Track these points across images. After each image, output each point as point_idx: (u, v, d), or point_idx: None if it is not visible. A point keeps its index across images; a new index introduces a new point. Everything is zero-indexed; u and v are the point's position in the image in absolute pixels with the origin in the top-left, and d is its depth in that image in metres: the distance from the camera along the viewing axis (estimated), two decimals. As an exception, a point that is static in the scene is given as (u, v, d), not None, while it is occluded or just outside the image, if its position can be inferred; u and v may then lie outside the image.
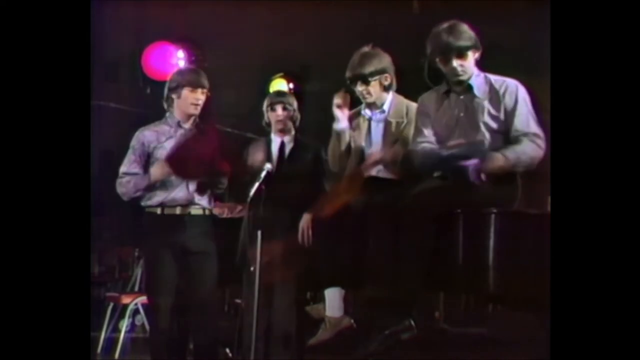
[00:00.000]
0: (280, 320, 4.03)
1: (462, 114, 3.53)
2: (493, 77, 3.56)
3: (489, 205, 3.33)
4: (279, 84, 7.13)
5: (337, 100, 3.93)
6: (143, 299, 6.07)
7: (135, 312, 6.16)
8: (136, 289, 6.66)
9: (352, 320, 4.48)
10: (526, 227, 3.33)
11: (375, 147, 3.93)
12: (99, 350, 5.70)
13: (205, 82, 4.08)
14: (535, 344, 3.65)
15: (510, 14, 5.79)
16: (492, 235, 3.26)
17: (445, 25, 3.48)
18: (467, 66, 3.49)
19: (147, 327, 5.38)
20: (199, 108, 4.07)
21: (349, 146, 3.98)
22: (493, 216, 3.28)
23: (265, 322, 3.93)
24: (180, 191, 4.02)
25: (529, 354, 3.77)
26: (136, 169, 4.04)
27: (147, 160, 4.05)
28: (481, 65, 3.59)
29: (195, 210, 4.05)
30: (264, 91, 6.90)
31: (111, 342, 5.75)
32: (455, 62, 3.45)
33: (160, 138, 4.05)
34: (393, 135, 3.89)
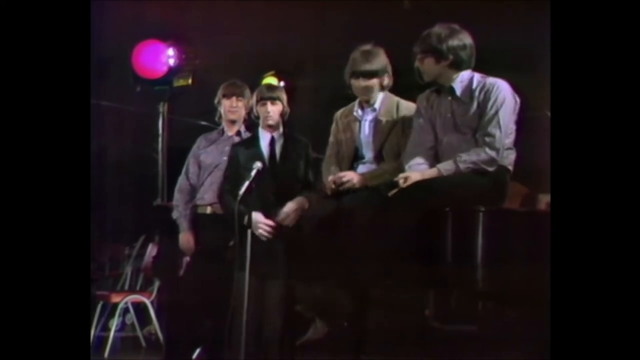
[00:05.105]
0: (270, 320, 4.01)
1: (448, 115, 3.59)
2: (477, 78, 3.58)
3: (478, 204, 3.35)
4: (271, 82, 7.12)
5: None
6: (133, 297, 6.04)
7: (125, 311, 6.12)
8: (126, 287, 6.62)
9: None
10: (514, 225, 3.36)
11: (366, 147, 3.92)
12: (88, 349, 5.67)
13: (240, 91, 4.52)
14: (525, 340, 3.66)
15: (505, 10, 5.78)
16: (480, 232, 3.28)
17: (443, 29, 3.56)
18: (427, 69, 3.57)
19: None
20: (238, 114, 4.50)
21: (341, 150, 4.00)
22: (481, 214, 3.30)
23: (256, 322, 3.91)
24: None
25: (519, 351, 3.78)
26: (192, 168, 4.53)
27: (200, 161, 4.54)
28: (479, 62, 3.60)
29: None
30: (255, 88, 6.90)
31: (100, 341, 5.71)
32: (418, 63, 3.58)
33: (206, 144, 4.57)
34: (382, 134, 3.88)
